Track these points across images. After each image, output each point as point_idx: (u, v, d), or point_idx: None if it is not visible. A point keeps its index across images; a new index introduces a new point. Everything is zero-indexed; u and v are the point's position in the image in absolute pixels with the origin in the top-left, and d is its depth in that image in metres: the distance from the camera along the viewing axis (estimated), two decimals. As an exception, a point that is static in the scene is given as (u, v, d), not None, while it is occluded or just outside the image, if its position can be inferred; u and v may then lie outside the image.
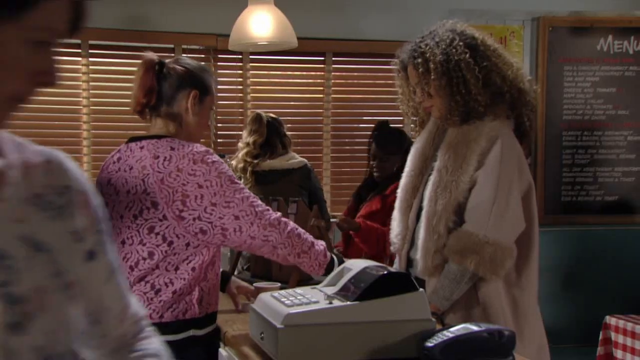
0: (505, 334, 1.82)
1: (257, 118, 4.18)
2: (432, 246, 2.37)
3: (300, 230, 2.27)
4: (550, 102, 3.99)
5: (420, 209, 2.47)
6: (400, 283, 1.86)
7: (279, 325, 1.75)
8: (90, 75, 4.71)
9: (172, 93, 2.24)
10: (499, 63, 2.48)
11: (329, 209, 5.00)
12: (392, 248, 2.65)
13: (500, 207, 2.32)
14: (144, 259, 2.13)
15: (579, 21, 4.01)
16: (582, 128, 4.06)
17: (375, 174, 3.84)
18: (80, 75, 4.68)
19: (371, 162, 3.88)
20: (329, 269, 2.24)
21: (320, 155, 5.10)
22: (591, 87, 4.04)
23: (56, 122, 4.70)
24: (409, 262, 2.50)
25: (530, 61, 3.98)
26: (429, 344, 1.77)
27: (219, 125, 4.95)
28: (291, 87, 5.09)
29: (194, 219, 2.10)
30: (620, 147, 4.05)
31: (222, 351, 2.18)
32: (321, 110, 5.10)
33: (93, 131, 4.71)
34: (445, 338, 1.77)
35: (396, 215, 2.61)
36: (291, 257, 2.22)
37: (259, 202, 2.20)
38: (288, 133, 4.29)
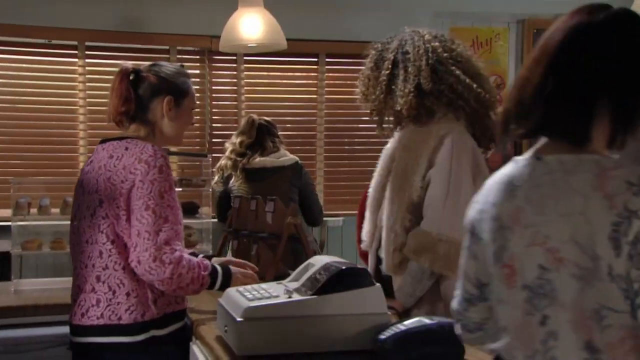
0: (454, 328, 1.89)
1: (249, 121, 4.26)
2: (391, 245, 2.43)
3: (189, 265, 2.19)
4: (535, 103, 4.05)
5: None
6: (357, 278, 1.94)
7: (238, 318, 1.84)
8: (87, 76, 4.81)
9: (146, 101, 2.31)
10: (460, 68, 2.52)
11: (322, 208, 5.09)
12: (362, 246, 2.71)
13: (452, 203, 2.36)
14: (97, 257, 2.19)
15: (563, 23, 4.08)
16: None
17: None
18: (77, 76, 4.79)
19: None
20: (212, 283, 2.26)
21: (314, 155, 5.19)
22: (575, 89, 4.11)
23: (53, 122, 4.79)
24: (380, 259, 2.58)
25: (516, 62, 4.05)
26: (382, 336, 1.85)
27: (213, 125, 5.03)
28: (285, 87, 5.18)
29: (126, 219, 2.16)
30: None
31: (193, 346, 2.26)
32: (315, 111, 5.18)
33: (89, 131, 4.81)
34: (397, 330, 1.85)
35: (367, 214, 2.67)
36: (167, 292, 2.19)
37: (173, 230, 2.16)
38: (282, 133, 4.37)
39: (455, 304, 1.64)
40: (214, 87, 5.04)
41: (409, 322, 1.89)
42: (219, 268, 2.31)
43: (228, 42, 4.17)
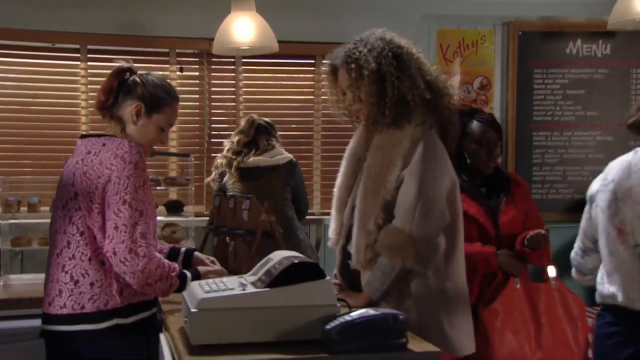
0: (399, 318, 2.00)
1: (249, 120, 4.39)
2: (364, 242, 2.54)
3: (159, 264, 2.30)
4: (521, 103, 4.14)
5: (354, 207, 2.64)
6: (308, 272, 2.05)
7: (192, 309, 1.96)
8: (89, 78, 4.94)
9: (121, 98, 2.45)
10: (422, 71, 2.64)
11: (318, 207, 5.21)
12: (328, 243, 2.82)
13: (424, 203, 2.48)
14: (64, 247, 2.33)
15: (548, 26, 4.16)
16: (552, 129, 4.21)
17: (491, 164, 3.24)
18: (79, 78, 4.93)
19: (478, 149, 3.23)
20: (182, 287, 2.37)
21: (311, 154, 5.29)
22: (561, 89, 4.18)
23: (56, 124, 4.92)
24: (347, 255, 2.68)
25: (502, 64, 4.13)
26: (328, 326, 1.96)
27: (212, 126, 5.16)
28: (282, 89, 5.28)
29: (98, 213, 2.29)
30: (589, 146, 4.18)
31: (162, 335, 2.38)
32: (312, 112, 5.29)
33: (92, 132, 4.93)
34: (342, 321, 1.96)
35: (333, 212, 2.78)
36: (134, 285, 2.29)
37: (147, 224, 2.28)
38: (280, 133, 4.48)
39: (573, 253, 2.70)
40: (212, 89, 5.16)
41: (356, 314, 2.00)
42: (187, 273, 2.44)
43: (221, 45, 4.30)
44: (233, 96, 5.17)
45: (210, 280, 2.18)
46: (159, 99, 2.47)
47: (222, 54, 4.68)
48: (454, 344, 2.56)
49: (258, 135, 4.37)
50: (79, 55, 4.92)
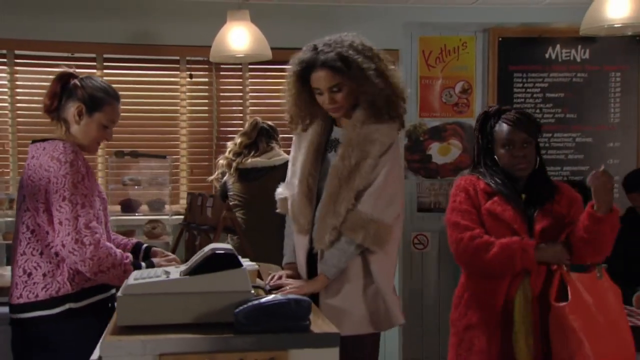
0: (302, 303, 2.23)
1: (253, 123, 4.66)
2: (332, 224, 2.81)
3: (109, 252, 2.54)
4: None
5: (318, 194, 2.90)
6: (225, 261, 2.29)
7: (118, 294, 2.23)
8: (105, 85, 5.29)
9: (64, 101, 2.72)
10: (389, 74, 2.89)
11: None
12: (298, 229, 3.00)
13: (387, 195, 2.80)
14: (18, 245, 2.63)
15: (527, 32, 4.32)
16: (532, 130, 4.35)
17: (520, 166, 3.08)
18: (96, 85, 5.28)
19: (504, 152, 3.09)
20: None
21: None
22: (540, 93, 4.33)
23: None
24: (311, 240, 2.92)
25: (482, 69, 4.30)
26: (237, 310, 2.20)
27: (220, 129, 5.45)
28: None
29: (43, 211, 2.56)
30: (569, 147, 4.32)
31: (115, 318, 2.65)
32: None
33: (39, 137, 5.26)
34: (250, 305, 2.20)
35: (303, 201, 2.95)
36: (87, 273, 2.54)
37: (89, 216, 2.52)
38: (285, 136, 4.72)
39: None
40: (220, 94, 5.45)
41: (265, 299, 2.23)
42: (142, 263, 2.70)
43: (217, 53, 4.60)
44: (240, 101, 5.46)
45: (146, 270, 2.44)
46: (98, 99, 2.72)
47: (219, 62, 4.97)
48: (399, 313, 2.91)
49: (259, 138, 4.62)
50: (95, 63, 5.28)
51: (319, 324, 2.31)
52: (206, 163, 5.29)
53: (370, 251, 2.82)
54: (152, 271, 2.39)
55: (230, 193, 4.58)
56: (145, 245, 3.03)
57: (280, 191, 3.16)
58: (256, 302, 2.21)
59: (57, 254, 2.59)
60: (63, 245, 2.52)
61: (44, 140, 2.73)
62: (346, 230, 2.78)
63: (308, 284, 2.86)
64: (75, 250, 2.51)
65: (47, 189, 2.55)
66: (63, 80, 2.74)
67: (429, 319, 4.32)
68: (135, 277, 2.31)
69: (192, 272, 2.27)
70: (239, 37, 4.50)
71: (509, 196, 3.04)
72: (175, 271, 2.35)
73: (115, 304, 2.37)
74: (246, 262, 2.95)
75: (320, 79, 2.85)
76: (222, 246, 2.42)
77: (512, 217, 3.01)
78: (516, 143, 3.03)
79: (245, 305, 2.20)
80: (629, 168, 4.32)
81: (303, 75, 2.92)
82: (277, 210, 3.11)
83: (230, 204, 4.59)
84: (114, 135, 5.11)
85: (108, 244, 2.60)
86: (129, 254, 2.67)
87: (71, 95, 2.73)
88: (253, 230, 4.46)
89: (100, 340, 2.11)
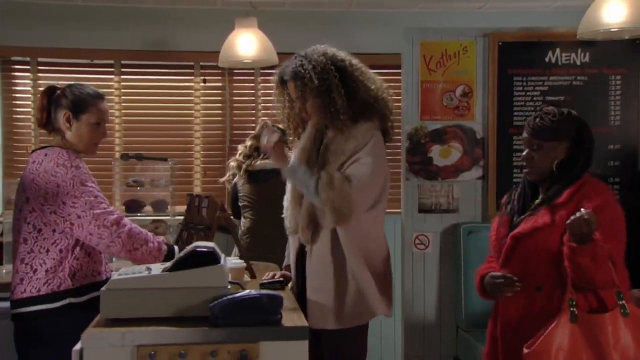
0: (274, 298, 2.36)
1: (262, 126, 4.80)
2: (307, 217, 2.96)
3: (135, 230, 2.77)
4: (501, 109, 4.38)
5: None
6: (203, 259, 2.43)
7: (102, 289, 2.38)
8: (122, 90, 5.49)
9: (53, 112, 2.90)
10: (364, 80, 3.01)
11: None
12: (288, 231, 3.17)
13: (362, 184, 2.88)
14: (22, 244, 2.79)
15: (527, 36, 4.38)
16: (532, 133, 4.42)
17: (525, 170, 2.96)
18: (114, 90, 5.48)
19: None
20: (170, 257, 2.80)
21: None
22: (540, 96, 4.40)
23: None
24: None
25: (483, 73, 4.38)
26: (212, 304, 2.34)
27: (233, 132, 5.60)
28: (298, 97, 5.66)
29: (50, 212, 2.74)
30: (569, 150, 4.38)
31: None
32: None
33: (125, 139, 5.49)
34: (225, 299, 2.34)
35: (291, 203, 3.12)
36: (122, 253, 2.74)
37: (102, 205, 2.74)
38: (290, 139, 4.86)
39: None
40: (233, 98, 5.61)
41: (239, 294, 2.37)
42: (175, 246, 2.93)
43: (225, 58, 4.75)
44: (252, 104, 5.61)
45: (132, 267, 2.59)
46: (81, 102, 2.88)
47: (227, 67, 5.13)
48: (381, 305, 3.04)
49: (269, 141, 4.75)
50: (113, 69, 5.47)
51: (293, 319, 2.43)
52: (219, 165, 5.45)
53: (337, 231, 2.90)
54: (136, 268, 2.54)
55: (240, 194, 4.73)
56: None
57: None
58: (230, 296, 2.35)
59: (61, 251, 2.76)
60: (91, 235, 2.72)
61: (42, 147, 2.90)
62: (325, 179, 2.86)
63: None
64: (103, 234, 2.72)
65: (55, 192, 2.73)
66: (49, 93, 2.92)
67: (430, 318, 4.42)
68: (119, 273, 2.46)
69: (173, 268, 2.42)
70: (246, 43, 4.65)
71: (507, 200, 3.04)
72: (158, 268, 2.50)
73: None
74: (235, 260, 3.10)
75: (290, 89, 3.03)
76: (205, 244, 2.56)
77: (501, 222, 2.99)
78: (525, 146, 2.93)
79: (219, 300, 2.34)
80: (630, 169, 4.37)
81: (284, 85, 3.11)
82: (283, 216, 3.23)
83: (240, 204, 4.75)
84: (131, 138, 5.45)
85: (134, 225, 2.79)
86: (161, 238, 2.88)
87: (58, 105, 2.90)
88: (261, 231, 4.61)
89: (83, 333, 2.25)
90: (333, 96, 2.93)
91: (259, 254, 4.06)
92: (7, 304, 2.94)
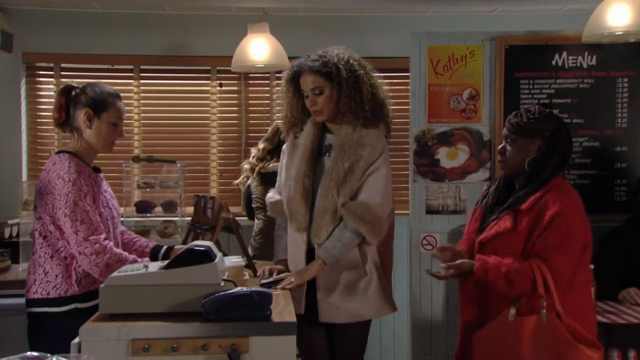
0: (264, 295, 2.45)
1: (274, 129, 4.91)
2: (328, 220, 3.10)
3: (113, 259, 2.81)
4: (508, 112, 4.36)
5: (313, 195, 3.18)
6: (198, 257, 2.53)
7: (101, 285, 2.49)
8: (141, 94, 5.64)
9: (72, 110, 2.97)
10: (376, 84, 3.14)
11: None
12: (293, 229, 3.27)
13: (382, 189, 3.12)
14: (34, 252, 2.93)
15: (533, 39, 4.43)
16: (539, 135, 4.46)
17: (500, 164, 3.07)
18: (133, 94, 5.63)
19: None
20: (154, 257, 3.05)
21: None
22: (547, 99, 4.44)
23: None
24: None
25: (490, 76, 4.43)
26: (204, 300, 2.44)
27: (249, 135, 5.72)
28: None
29: (50, 223, 2.85)
30: (576, 152, 4.40)
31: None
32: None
33: (143, 141, 5.64)
34: (216, 296, 2.44)
35: (298, 199, 3.22)
36: (102, 279, 2.70)
37: (88, 230, 2.78)
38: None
39: None
40: (249, 102, 5.73)
41: (230, 291, 2.47)
42: (164, 247, 3.09)
43: (238, 63, 4.87)
44: (267, 108, 5.72)
45: (130, 265, 2.70)
46: (102, 100, 2.94)
47: (240, 71, 5.25)
48: (387, 305, 3.25)
49: (281, 143, 4.85)
50: (132, 74, 5.62)
51: (283, 315, 2.53)
52: (235, 167, 5.56)
53: (366, 242, 3.10)
54: (134, 266, 2.65)
55: (254, 196, 4.84)
56: (165, 247, 3.26)
57: (271, 195, 3.41)
58: (222, 293, 2.45)
59: (65, 258, 2.89)
60: (77, 254, 2.84)
61: (59, 152, 2.96)
62: (354, 217, 3.05)
63: (306, 270, 3.14)
64: (83, 261, 2.83)
65: (52, 205, 2.83)
66: (66, 92, 2.97)
67: (438, 317, 4.48)
68: (118, 271, 2.58)
69: (168, 266, 2.53)
70: (258, 49, 4.76)
71: (484, 193, 3.21)
72: (155, 265, 2.61)
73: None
74: (234, 259, 3.20)
75: (305, 81, 3.17)
76: (202, 243, 2.66)
77: (475, 216, 3.16)
78: (502, 139, 3.05)
79: (212, 296, 2.44)
80: (637, 171, 4.40)
81: (294, 81, 3.22)
82: (268, 214, 3.34)
83: (253, 206, 4.86)
84: (150, 141, 5.58)
85: (116, 250, 2.87)
86: (134, 256, 2.94)
87: (77, 104, 2.95)
88: (273, 232, 4.71)
89: (81, 327, 2.37)
90: (359, 87, 3.06)
91: (271, 255, 4.16)
92: (23, 300, 3.07)
